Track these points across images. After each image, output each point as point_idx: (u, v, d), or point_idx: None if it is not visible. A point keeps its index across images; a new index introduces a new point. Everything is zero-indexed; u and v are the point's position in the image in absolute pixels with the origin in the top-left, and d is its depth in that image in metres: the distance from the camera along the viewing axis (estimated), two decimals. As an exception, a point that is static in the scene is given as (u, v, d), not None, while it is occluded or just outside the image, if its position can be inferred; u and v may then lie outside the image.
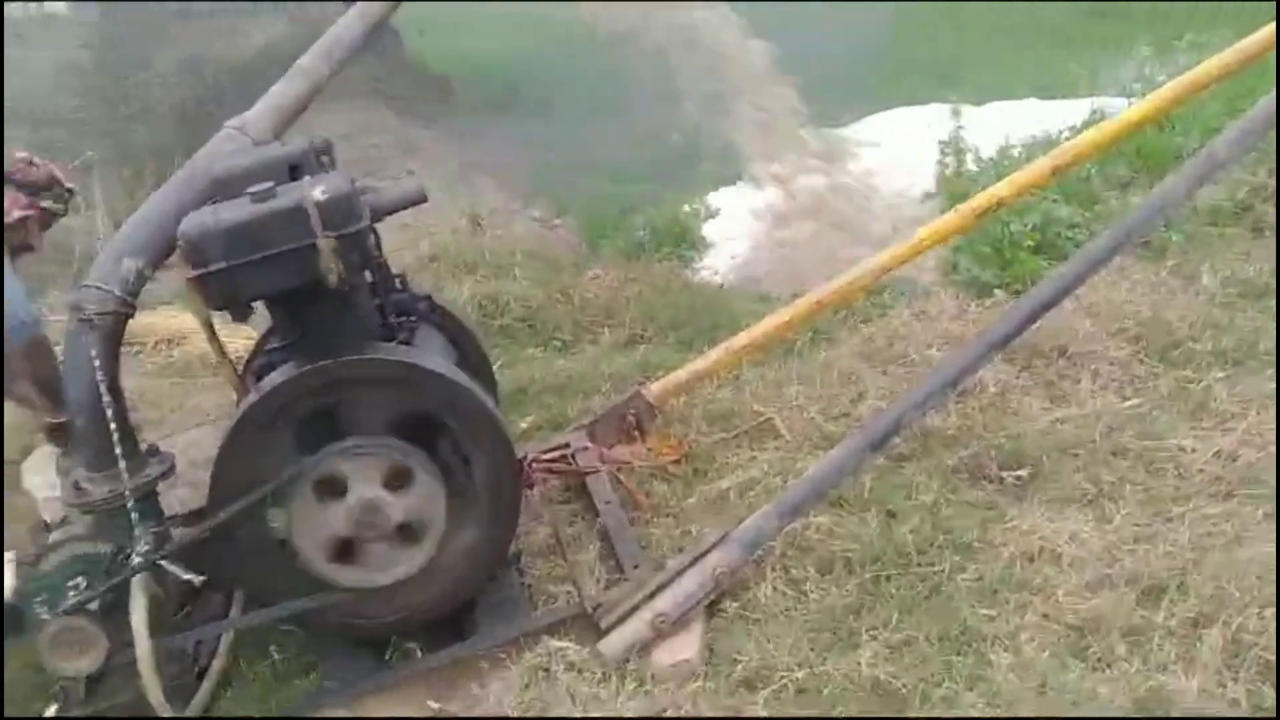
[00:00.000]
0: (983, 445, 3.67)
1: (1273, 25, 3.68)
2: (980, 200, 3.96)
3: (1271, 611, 2.70)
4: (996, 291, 5.12)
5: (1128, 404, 3.87)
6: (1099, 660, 2.71)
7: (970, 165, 7.23)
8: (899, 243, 4.13)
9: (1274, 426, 3.51)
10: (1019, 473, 3.52)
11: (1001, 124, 7.65)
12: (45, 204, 3.51)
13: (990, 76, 9.65)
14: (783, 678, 2.79)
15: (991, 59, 10.46)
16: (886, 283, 5.07)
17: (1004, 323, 3.39)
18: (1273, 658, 2.60)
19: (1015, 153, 6.97)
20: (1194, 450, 3.50)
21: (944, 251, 5.55)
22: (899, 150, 8.13)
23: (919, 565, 3.13)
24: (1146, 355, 4.18)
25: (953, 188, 6.72)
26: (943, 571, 3.09)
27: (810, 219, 7.21)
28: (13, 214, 3.42)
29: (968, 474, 3.57)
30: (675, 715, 2.75)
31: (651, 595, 3.00)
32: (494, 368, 3.92)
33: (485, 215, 7.50)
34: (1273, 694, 2.54)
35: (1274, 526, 3.05)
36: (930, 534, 3.24)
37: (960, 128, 7.54)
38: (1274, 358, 3.92)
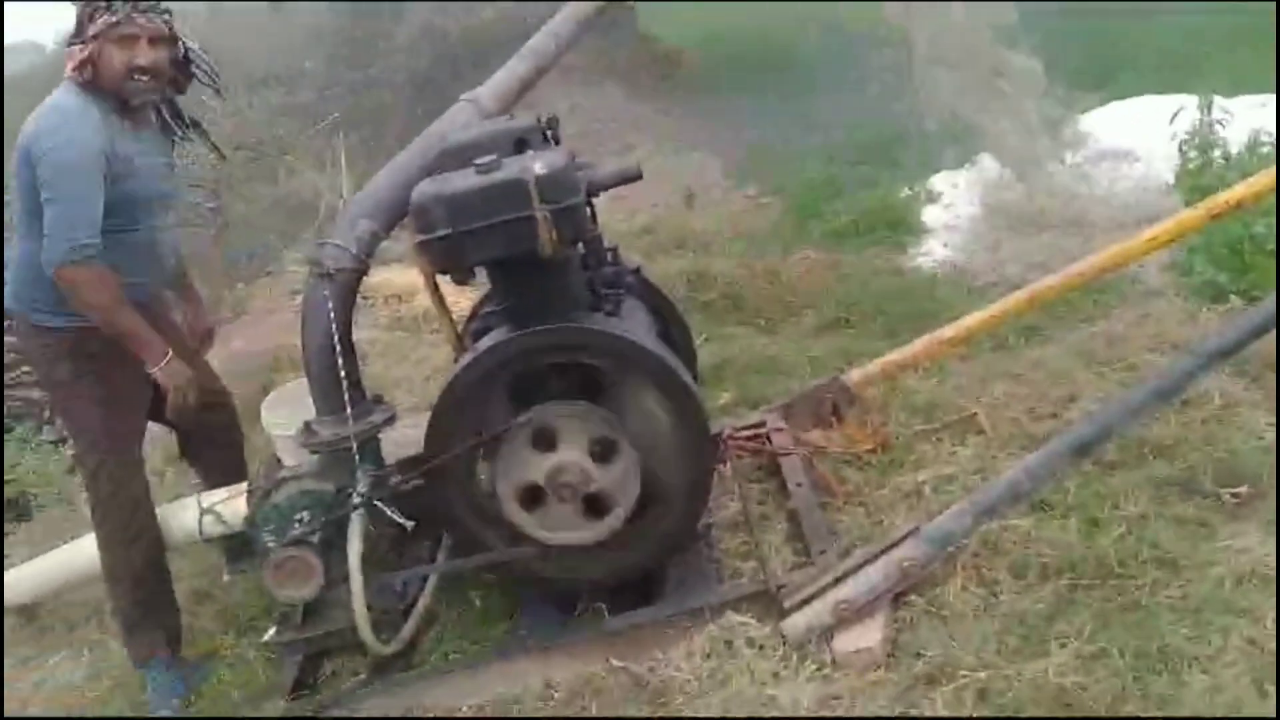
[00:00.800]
0: (1200, 459, 3.46)
1: None
2: (1215, 201, 3.72)
3: None
4: (1232, 297, 4.79)
5: (1364, 425, 3.58)
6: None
7: (1216, 160, 6.75)
8: (1127, 239, 3.94)
9: None
10: (1237, 490, 3.31)
11: (1254, 118, 7.09)
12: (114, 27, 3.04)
13: (1248, 69, 8.91)
14: (965, 677, 2.72)
15: (1254, 50, 9.66)
16: (1110, 280, 4.85)
17: (1234, 330, 3.17)
18: None
19: (1265, 150, 6.46)
20: None
21: (1177, 250, 5.23)
22: (1140, 141, 7.66)
23: (1119, 577, 2.99)
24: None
25: (1194, 183, 6.30)
26: (1144, 586, 2.94)
27: (1037, 209, 6.91)
28: (75, 56, 3.11)
29: (1180, 488, 3.38)
30: (843, 716, 2.75)
31: (836, 581, 3.00)
32: (696, 343, 3.98)
33: (699, 191, 7.60)
34: None
35: None
36: (1134, 546, 3.09)
37: (1207, 120, 7.05)
38: None
